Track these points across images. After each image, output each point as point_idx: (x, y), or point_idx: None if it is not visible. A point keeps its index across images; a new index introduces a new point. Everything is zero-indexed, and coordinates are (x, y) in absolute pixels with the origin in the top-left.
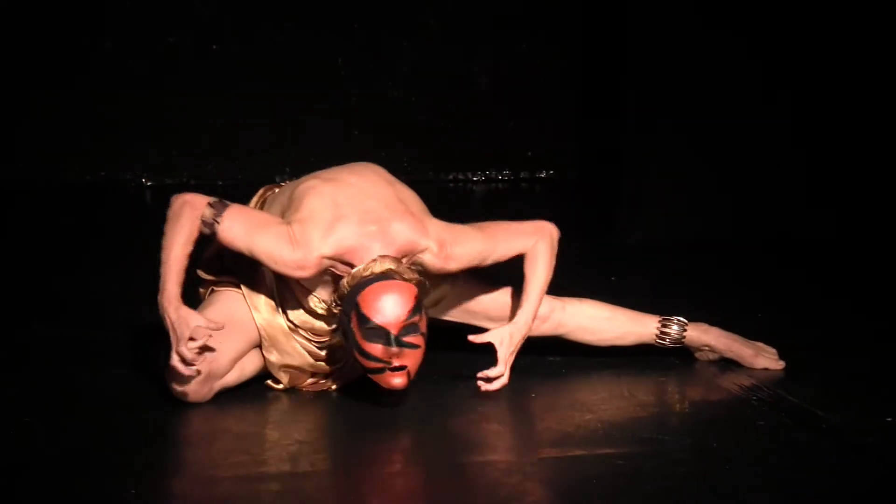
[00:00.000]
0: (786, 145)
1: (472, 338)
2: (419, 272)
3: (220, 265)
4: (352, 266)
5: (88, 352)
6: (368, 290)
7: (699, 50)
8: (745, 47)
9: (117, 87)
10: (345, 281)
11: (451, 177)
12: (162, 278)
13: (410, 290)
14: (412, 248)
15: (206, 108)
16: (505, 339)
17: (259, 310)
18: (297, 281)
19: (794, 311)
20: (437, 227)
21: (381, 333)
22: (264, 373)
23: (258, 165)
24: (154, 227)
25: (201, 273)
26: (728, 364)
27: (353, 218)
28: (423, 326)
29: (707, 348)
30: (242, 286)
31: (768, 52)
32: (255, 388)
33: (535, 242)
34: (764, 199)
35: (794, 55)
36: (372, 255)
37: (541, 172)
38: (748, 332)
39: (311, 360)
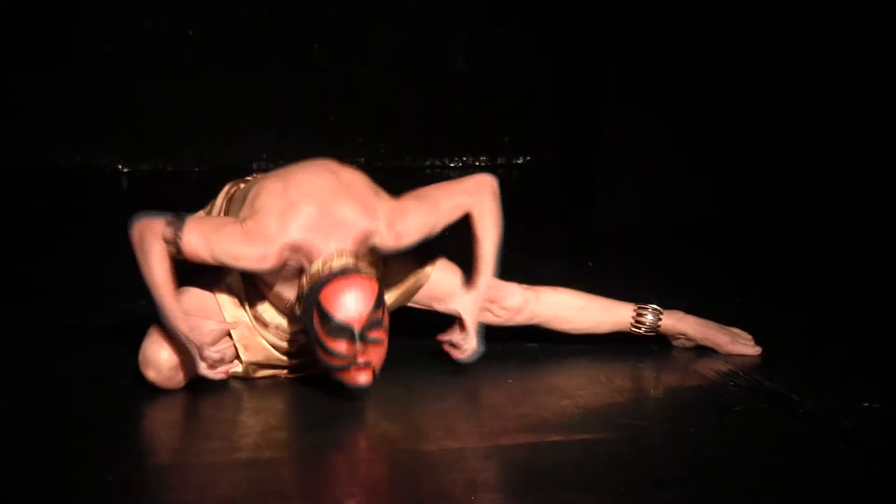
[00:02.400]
0: (765, 128)
1: (438, 307)
2: (375, 260)
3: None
4: (310, 259)
5: (63, 338)
6: (329, 288)
7: (677, 32)
8: (723, 28)
9: (93, 72)
10: (303, 280)
11: (427, 163)
12: (158, 302)
13: (372, 286)
14: (365, 236)
15: (182, 93)
16: (469, 307)
17: (225, 308)
18: (262, 279)
19: (772, 296)
20: (384, 206)
21: (344, 330)
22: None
23: (234, 151)
24: (130, 214)
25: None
26: (705, 350)
27: (304, 208)
28: (385, 320)
29: (683, 336)
30: (209, 286)
31: (747, 33)
32: (229, 378)
33: (477, 200)
34: (743, 183)
35: (772, 35)
36: (328, 249)
37: (518, 158)
38: (726, 317)
39: (278, 354)
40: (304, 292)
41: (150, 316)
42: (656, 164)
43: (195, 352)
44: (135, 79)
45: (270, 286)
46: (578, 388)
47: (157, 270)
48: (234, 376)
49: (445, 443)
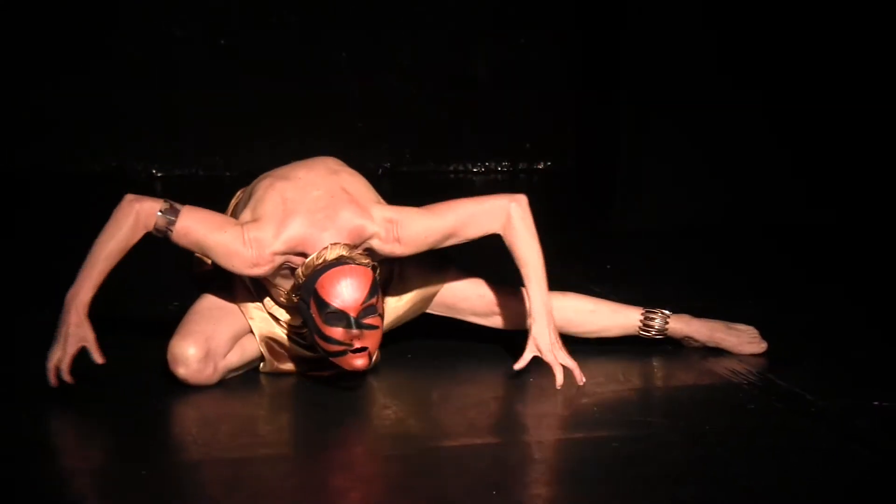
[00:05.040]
0: (781, 132)
1: (516, 367)
2: (371, 257)
3: (207, 272)
4: (305, 256)
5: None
6: (325, 277)
7: (694, 39)
8: (739, 34)
9: (128, 80)
10: (299, 271)
11: (451, 168)
12: (80, 277)
13: (366, 273)
14: (360, 233)
15: (213, 100)
16: (542, 346)
17: (244, 304)
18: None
19: (787, 297)
20: (383, 211)
21: (340, 317)
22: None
23: (264, 156)
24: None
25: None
26: (719, 349)
27: (301, 211)
28: (381, 307)
29: (691, 339)
30: (228, 286)
31: (762, 40)
32: (256, 376)
33: (506, 220)
34: (760, 186)
35: (788, 41)
36: (323, 243)
37: (538, 164)
38: (740, 318)
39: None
40: (301, 283)
41: (179, 316)
42: (673, 170)
43: (59, 348)
44: (167, 87)
45: (272, 283)
46: (597, 387)
47: (108, 256)
48: (261, 371)
49: (467, 439)
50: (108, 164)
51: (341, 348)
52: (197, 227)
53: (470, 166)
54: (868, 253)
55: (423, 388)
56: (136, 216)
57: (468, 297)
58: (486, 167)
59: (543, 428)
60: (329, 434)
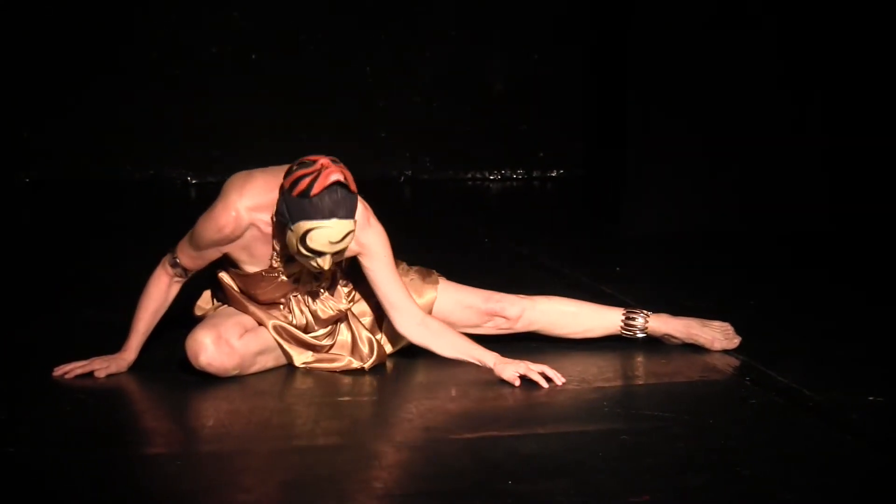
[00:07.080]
0: (788, 136)
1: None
2: None
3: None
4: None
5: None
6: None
7: (703, 53)
8: (747, 45)
9: (167, 94)
10: (275, 216)
11: (469, 175)
12: (131, 334)
13: None
14: None
15: (246, 112)
16: (507, 372)
17: (256, 312)
18: (252, 268)
19: (785, 297)
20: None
21: (306, 161)
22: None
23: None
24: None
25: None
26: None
27: (263, 176)
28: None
29: (670, 337)
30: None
31: (768, 48)
32: (287, 371)
33: (427, 318)
34: (768, 192)
35: (795, 48)
36: None
37: (551, 171)
38: (741, 317)
39: (305, 336)
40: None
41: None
42: (679, 179)
43: (111, 360)
44: (202, 100)
45: (261, 269)
46: (606, 382)
47: (146, 300)
48: (288, 364)
49: (484, 432)
50: (146, 172)
51: (314, 175)
52: (186, 244)
53: (487, 174)
54: (860, 256)
55: (442, 382)
56: (162, 266)
57: (454, 311)
58: (501, 175)
59: (556, 421)
60: (354, 427)
